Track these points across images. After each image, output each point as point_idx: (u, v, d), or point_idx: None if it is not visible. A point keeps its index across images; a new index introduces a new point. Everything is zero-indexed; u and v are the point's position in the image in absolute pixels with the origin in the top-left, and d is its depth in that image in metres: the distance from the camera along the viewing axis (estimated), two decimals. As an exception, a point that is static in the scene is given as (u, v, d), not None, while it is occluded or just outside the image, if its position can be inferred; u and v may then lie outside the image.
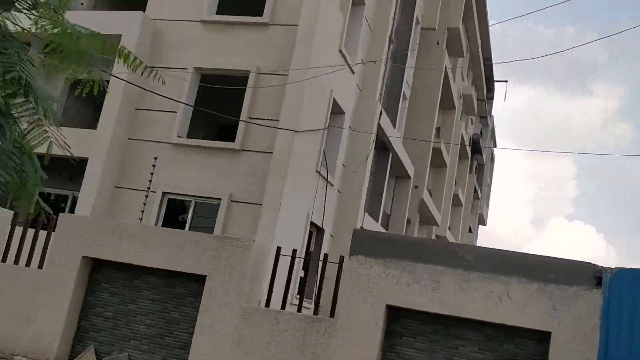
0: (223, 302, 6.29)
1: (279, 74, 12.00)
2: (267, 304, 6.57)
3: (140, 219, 11.73)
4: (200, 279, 6.52)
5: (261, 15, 12.50)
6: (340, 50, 13.13)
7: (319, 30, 11.80)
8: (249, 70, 12.23)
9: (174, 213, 12.40)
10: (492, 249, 5.89)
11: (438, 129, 25.76)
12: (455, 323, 5.92)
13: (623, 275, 5.28)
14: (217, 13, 13.10)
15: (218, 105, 13.36)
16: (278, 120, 11.62)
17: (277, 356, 6.07)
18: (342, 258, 6.14)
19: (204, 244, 6.50)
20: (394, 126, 17.40)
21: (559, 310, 5.54)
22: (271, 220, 11.02)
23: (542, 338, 5.63)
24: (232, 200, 11.78)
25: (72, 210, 12.64)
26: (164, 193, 12.29)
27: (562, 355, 5.45)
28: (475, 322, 5.85)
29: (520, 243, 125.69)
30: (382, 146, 17.35)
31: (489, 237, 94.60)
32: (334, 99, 13.06)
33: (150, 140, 12.60)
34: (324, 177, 13.11)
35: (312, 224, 12.87)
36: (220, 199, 11.83)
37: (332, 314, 6.34)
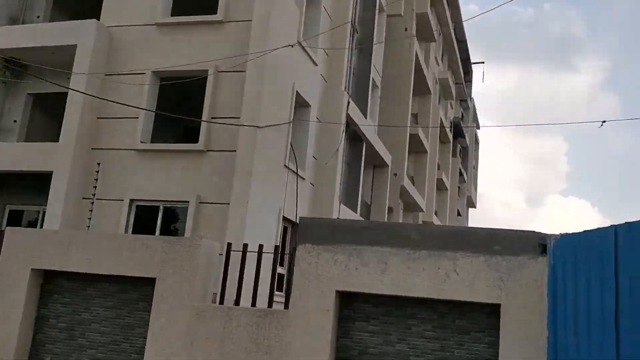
0: (174, 304, 6.20)
1: (237, 71, 11.90)
2: (222, 301, 6.48)
3: (88, 227, 11.76)
4: (152, 282, 6.43)
5: (215, 13, 12.39)
6: (299, 43, 13.02)
7: (273, 24, 11.69)
8: (207, 70, 12.11)
9: (143, 220, 12.27)
10: (439, 225, 5.84)
11: (415, 115, 25.74)
12: (408, 303, 5.85)
13: (565, 240, 5.23)
14: (172, 15, 12.98)
15: (180, 107, 13.26)
16: (240, 117, 11.53)
17: (232, 352, 5.99)
18: (293, 249, 6.06)
19: (153, 246, 6.40)
20: (365, 116, 17.33)
21: (507, 282, 5.48)
22: (239, 218, 10.92)
23: (493, 311, 5.58)
24: (200, 202, 11.68)
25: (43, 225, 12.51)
26: (131, 200, 12.17)
27: (513, 326, 5.39)
28: (427, 301, 5.79)
29: (518, 222, 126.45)
30: (355, 136, 17.29)
31: (485, 219, 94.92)
32: (297, 91, 12.96)
33: (114, 149, 12.47)
34: (293, 171, 13.03)
35: (285, 219, 12.78)
36: (188, 202, 11.72)
37: (286, 305, 6.26)
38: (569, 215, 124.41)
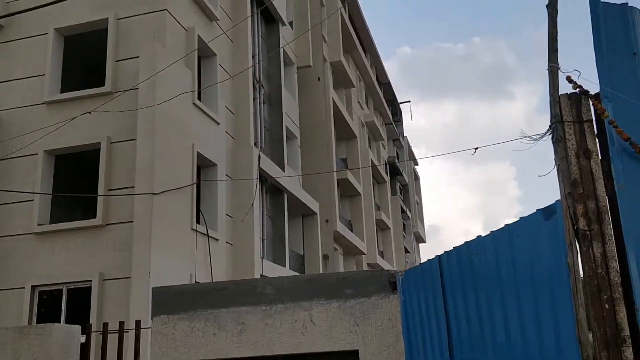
0: (30, 398, 5.74)
1: (129, 140, 11.73)
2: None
3: None
4: (8, 378, 5.96)
5: (103, 85, 12.26)
6: (194, 104, 12.98)
7: (161, 91, 11.59)
8: (99, 142, 11.89)
9: (48, 305, 11.69)
10: (294, 275, 5.66)
11: (344, 160, 25.97)
12: (271, 363, 5.58)
13: (410, 274, 5.13)
14: (62, 91, 12.77)
15: (78, 182, 12.91)
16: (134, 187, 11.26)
17: None
18: (138, 322, 5.74)
19: (1, 339, 5.98)
20: (283, 167, 17.29)
21: (362, 325, 5.30)
22: (142, 293, 10.48)
23: (354, 358, 5.37)
24: (103, 279, 11.22)
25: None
26: (33, 287, 11.58)
27: (372, 371, 5.19)
28: (288, 357, 5.53)
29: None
30: (274, 189, 17.19)
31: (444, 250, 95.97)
32: (198, 152, 12.81)
33: (10, 235, 11.94)
34: (203, 234, 12.72)
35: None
36: (91, 281, 11.23)
37: (152, 383, 5.88)
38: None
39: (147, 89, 11.55)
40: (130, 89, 11.94)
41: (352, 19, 29.49)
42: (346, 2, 28.95)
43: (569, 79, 3.13)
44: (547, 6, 3.27)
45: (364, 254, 25.45)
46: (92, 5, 12.65)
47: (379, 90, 33.91)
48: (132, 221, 11.12)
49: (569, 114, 3.06)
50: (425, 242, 44.04)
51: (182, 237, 11.94)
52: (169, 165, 11.71)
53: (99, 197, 11.64)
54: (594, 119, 3.13)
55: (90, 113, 10.85)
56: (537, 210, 3.25)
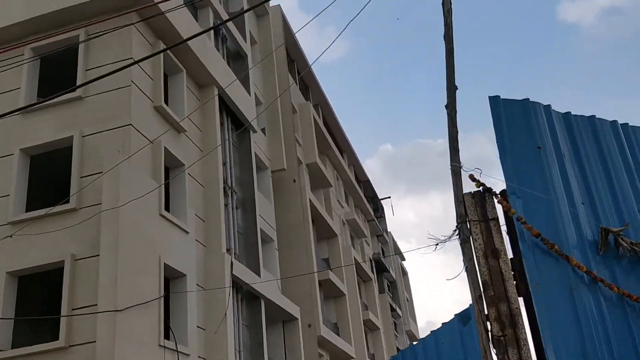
0: None
1: (93, 256, 11.48)
2: None
3: None
4: None
5: (68, 202, 12.19)
6: (161, 215, 12.89)
7: (125, 204, 11.51)
8: (63, 260, 11.62)
9: None
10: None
11: (326, 260, 25.63)
12: None
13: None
14: (27, 210, 12.66)
15: (41, 302, 12.48)
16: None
17: None
18: None
19: None
20: (259, 273, 16.93)
21: None
22: (102, 419, 9.81)
23: None
24: (64, 408, 10.51)
25: None
26: (-12, 422, 10.81)
27: None
28: None
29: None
30: (250, 296, 16.73)
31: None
32: (165, 264, 12.52)
33: (-34, 364, 11.30)
34: (172, 350, 12.14)
35: (167, 406, 11.64)
36: (50, 410, 10.52)
37: None
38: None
39: (112, 203, 11.49)
40: (94, 205, 11.89)
41: (326, 122, 30.39)
42: (319, 107, 30.00)
43: (472, 178, 3.09)
44: (445, 107, 3.30)
45: (353, 358, 24.42)
46: (57, 124, 12.88)
47: (359, 189, 34.26)
48: (95, 341, 10.63)
49: (474, 213, 2.99)
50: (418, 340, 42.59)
51: (149, 355, 11.36)
52: (134, 280, 11.38)
53: (62, 318, 11.18)
54: (502, 216, 3.05)
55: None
56: (455, 315, 3.09)
